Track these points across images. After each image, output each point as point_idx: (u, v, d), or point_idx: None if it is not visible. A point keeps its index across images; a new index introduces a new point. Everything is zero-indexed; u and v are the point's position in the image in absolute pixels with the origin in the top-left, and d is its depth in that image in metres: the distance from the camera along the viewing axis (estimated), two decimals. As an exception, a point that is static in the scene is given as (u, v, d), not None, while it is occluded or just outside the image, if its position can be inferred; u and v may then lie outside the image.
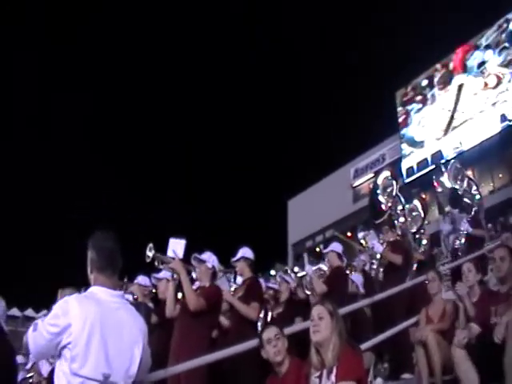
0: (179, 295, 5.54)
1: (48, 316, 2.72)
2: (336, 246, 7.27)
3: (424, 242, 8.74)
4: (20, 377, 6.78)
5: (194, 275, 5.38)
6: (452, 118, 26.39)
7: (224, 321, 6.13)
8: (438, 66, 27.86)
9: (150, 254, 5.05)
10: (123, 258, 2.92)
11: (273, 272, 8.48)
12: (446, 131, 26.41)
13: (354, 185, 30.82)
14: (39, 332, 2.70)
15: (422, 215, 9.22)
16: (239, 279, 6.59)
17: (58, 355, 2.69)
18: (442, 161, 22.51)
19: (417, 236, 8.80)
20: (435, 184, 11.65)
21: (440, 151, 26.15)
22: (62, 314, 2.67)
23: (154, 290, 6.29)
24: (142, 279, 6.35)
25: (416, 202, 9.66)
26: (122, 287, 5.96)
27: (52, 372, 6.44)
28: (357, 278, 7.68)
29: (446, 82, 27.30)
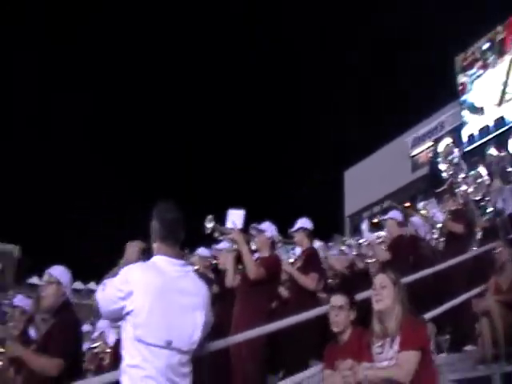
0: (239, 266, 5.59)
1: (115, 278, 2.80)
2: (395, 214, 7.15)
3: (489, 209, 8.45)
4: (86, 346, 7.04)
5: (253, 245, 5.40)
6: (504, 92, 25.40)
7: (283, 291, 6.16)
8: (500, 28, 26.75)
9: (209, 225, 5.10)
10: (185, 230, 2.96)
11: (331, 244, 8.41)
12: (501, 101, 25.45)
13: (413, 154, 30.15)
14: (107, 292, 2.80)
15: (488, 182, 8.90)
16: (298, 250, 6.59)
17: (123, 319, 2.76)
18: (505, 127, 21.71)
19: (481, 203, 8.51)
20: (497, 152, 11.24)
21: (502, 117, 25.25)
22: (125, 281, 2.74)
23: (214, 261, 6.37)
24: (202, 251, 6.43)
25: (481, 169, 9.37)
26: (183, 259, 6.07)
27: (118, 341, 6.67)
28: (416, 220, 7.51)
29: (501, 51, 26.24)
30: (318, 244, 7.59)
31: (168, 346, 2.69)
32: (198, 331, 2.81)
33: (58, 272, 4.25)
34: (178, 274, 2.86)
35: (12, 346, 4.25)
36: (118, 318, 2.80)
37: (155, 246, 2.93)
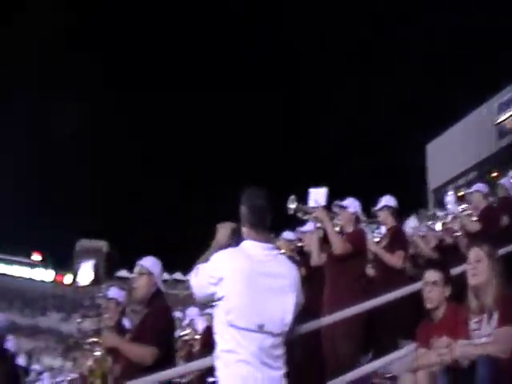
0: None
1: (206, 264, 2.85)
2: (480, 187, 6.86)
3: None
4: (176, 334, 7.23)
5: (336, 222, 5.34)
6: None
7: (369, 270, 6.06)
8: None
9: (292, 206, 5.06)
10: (273, 215, 2.96)
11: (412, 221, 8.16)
12: None
13: (498, 121, 28.87)
14: (199, 278, 2.85)
15: None
16: (383, 229, 6.46)
17: (215, 305, 2.80)
18: None
19: None
20: None
21: None
22: (216, 267, 2.79)
23: (299, 244, 6.34)
24: (287, 234, 6.41)
25: None
26: (271, 242, 6.07)
27: (207, 329, 6.79)
28: (506, 182, 7.17)
29: None
30: (412, 222, 7.45)
31: (260, 329, 2.71)
32: (289, 313, 2.81)
33: (149, 263, 4.34)
34: (267, 257, 2.86)
35: (108, 336, 4.40)
36: (211, 300, 2.84)
37: (244, 230, 2.95)
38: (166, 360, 3.99)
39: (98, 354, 4.63)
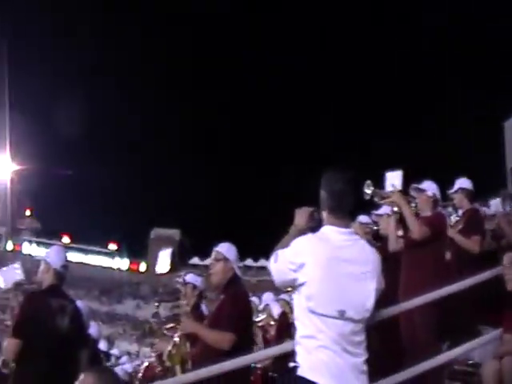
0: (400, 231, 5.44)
1: (286, 250, 2.82)
2: None
3: None
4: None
5: (414, 206, 5.22)
6: None
7: (446, 255, 5.91)
8: None
9: (368, 190, 4.99)
10: (354, 199, 2.91)
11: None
12: None
13: None
14: (279, 264, 2.84)
15: None
16: (459, 212, 6.29)
17: (296, 291, 2.78)
18: None
19: None
20: None
21: None
22: (296, 254, 2.76)
23: (375, 227, 6.26)
24: (362, 218, 6.34)
25: None
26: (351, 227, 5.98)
27: (282, 314, 6.81)
28: None
29: None
30: (495, 203, 7.24)
31: (341, 315, 2.68)
32: (370, 299, 2.77)
33: (225, 249, 4.39)
34: (348, 242, 2.82)
35: (186, 322, 4.45)
36: (290, 286, 2.84)
37: (323, 215, 2.91)
38: (243, 345, 4.01)
39: (176, 339, 4.72)
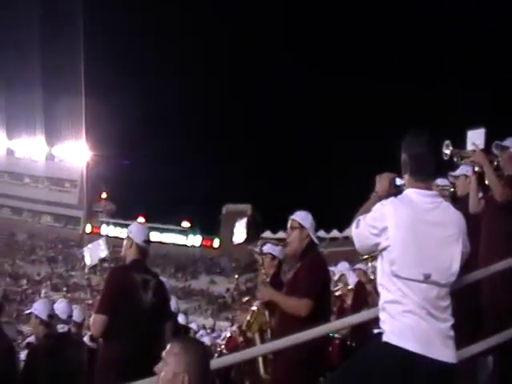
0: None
1: (368, 215, 2.78)
2: None
3: None
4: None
5: (496, 164, 4.98)
6: None
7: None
8: None
9: (447, 151, 4.81)
10: (437, 162, 2.85)
11: None
12: None
13: None
14: (361, 229, 2.79)
15: None
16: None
17: (379, 256, 2.75)
18: None
19: None
20: None
21: None
22: (378, 218, 2.71)
23: (452, 189, 6.06)
24: (439, 180, 6.14)
25: None
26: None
27: (358, 283, 6.74)
28: None
29: None
30: None
31: (426, 279, 2.63)
32: (456, 263, 2.70)
33: (301, 216, 4.37)
34: (431, 205, 2.75)
35: (264, 289, 4.47)
36: (373, 251, 2.81)
37: (405, 178, 2.85)
38: (320, 313, 4.01)
39: (254, 308, 4.73)
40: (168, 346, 2.35)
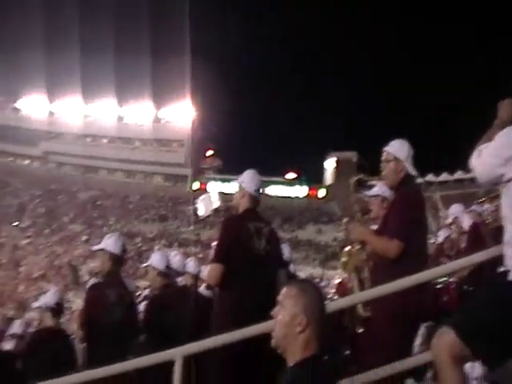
0: None
1: (491, 145, 2.62)
2: None
3: None
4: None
5: None
6: None
7: None
8: None
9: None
10: None
11: None
12: None
13: None
14: (483, 160, 2.63)
15: None
16: None
17: (504, 187, 2.59)
18: None
19: None
20: None
21: None
22: (503, 146, 2.54)
23: None
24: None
25: None
26: None
27: (473, 225, 6.48)
28: None
29: None
30: None
31: None
32: None
33: (395, 148, 4.18)
34: None
35: (356, 228, 4.36)
36: (496, 183, 2.63)
37: None
38: (413, 252, 3.84)
39: (348, 248, 4.63)
40: (284, 290, 2.37)
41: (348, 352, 5.82)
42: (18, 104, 73.77)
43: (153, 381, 4.40)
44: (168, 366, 3.61)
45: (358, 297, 4.17)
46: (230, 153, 64.49)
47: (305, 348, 2.28)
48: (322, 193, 63.28)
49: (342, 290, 8.57)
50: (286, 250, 6.02)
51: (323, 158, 64.44)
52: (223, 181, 60.55)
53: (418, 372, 3.66)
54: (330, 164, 63.76)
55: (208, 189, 57.81)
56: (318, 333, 2.30)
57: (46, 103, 71.41)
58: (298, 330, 2.28)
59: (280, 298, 2.36)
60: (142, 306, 5.96)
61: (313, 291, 2.37)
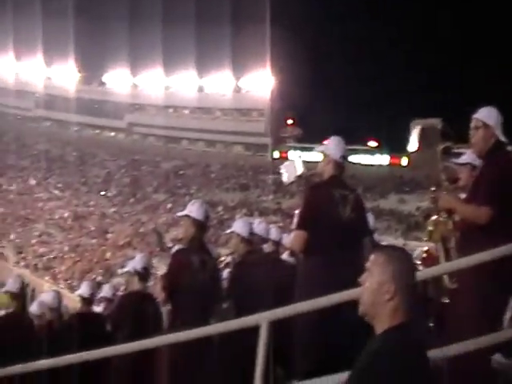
0: None
1: None
2: None
3: None
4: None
5: None
6: None
7: None
8: None
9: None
10: None
11: None
12: None
13: None
14: None
15: None
16: None
17: None
18: None
19: None
20: None
21: None
22: None
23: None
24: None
25: None
26: None
27: None
28: None
29: None
30: None
31: None
32: None
33: (484, 114, 4.02)
34: None
35: (443, 196, 4.22)
36: None
37: None
38: (504, 222, 3.68)
39: (434, 217, 4.49)
40: (372, 256, 2.32)
41: (432, 324, 5.70)
42: (104, 78, 76.15)
43: (235, 346, 4.49)
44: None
45: (444, 267, 4.06)
46: (310, 121, 63.87)
47: (393, 316, 2.24)
48: (405, 161, 61.88)
49: (428, 260, 8.38)
50: (370, 219, 5.92)
51: (406, 126, 62.83)
52: (303, 149, 60.35)
53: (506, 347, 3.52)
54: (413, 131, 62.14)
55: (289, 156, 57.88)
56: (407, 301, 2.25)
57: (129, 77, 73.23)
58: (386, 297, 2.24)
59: (368, 264, 2.31)
60: (225, 273, 6.05)
61: (402, 258, 2.30)
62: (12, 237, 50.72)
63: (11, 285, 6.47)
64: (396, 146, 62.41)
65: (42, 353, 5.21)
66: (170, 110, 72.71)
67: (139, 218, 52.67)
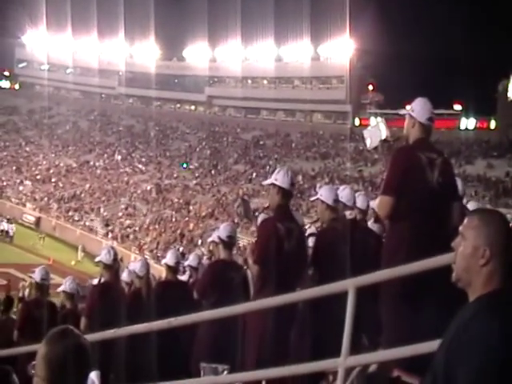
0: None
1: None
2: None
3: None
4: None
5: None
6: None
7: None
8: None
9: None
10: None
11: None
12: None
13: None
14: None
15: None
16: None
17: None
18: None
19: None
20: None
21: None
22: None
23: None
24: None
25: None
26: None
27: None
28: None
29: None
30: None
31: None
32: None
33: None
34: None
35: None
36: None
37: None
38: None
39: None
40: (466, 220, 2.22)
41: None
42: (183, 53, 77.19)
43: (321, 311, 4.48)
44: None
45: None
46: (391, 87, 62.22)
47: (488, 282, 2.14)
48: (492, 124, 59.26)
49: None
50: (459, 184, 5.72)
51: (494, 88, 59.93)
52: (384, 116, 59.05)
53: None
54: (501, 93, 59.28)
55: (371, 122, 56.87)
56: (503, 266, 2.14)
57: (208, 50, 73.80)
58: (481, 262, 2.14)
59: (461, 228, 2.21)
60: (309, 240, 6.04)
61: (498, 222, 2.19)
62: (100, 211, 52.93)
63: (105, 256, 6.77)
64: (483, 108, 59.77)
65: (132, 319, 5.40)
66: (249, 81, 72.88)
67: (220, 190, 53.49)
